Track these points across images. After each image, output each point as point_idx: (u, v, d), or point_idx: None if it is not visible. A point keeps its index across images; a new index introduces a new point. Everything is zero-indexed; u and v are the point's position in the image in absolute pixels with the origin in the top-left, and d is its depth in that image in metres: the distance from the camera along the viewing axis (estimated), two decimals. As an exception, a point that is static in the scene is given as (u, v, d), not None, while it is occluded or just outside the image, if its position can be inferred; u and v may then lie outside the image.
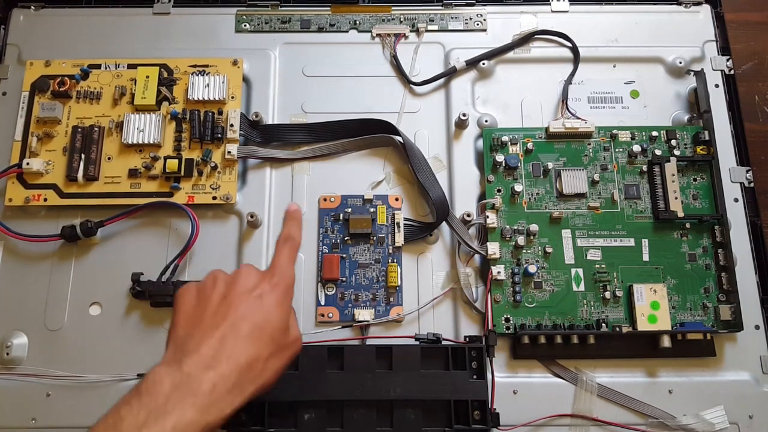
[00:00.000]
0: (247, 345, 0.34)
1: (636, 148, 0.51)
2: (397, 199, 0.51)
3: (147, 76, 0.52)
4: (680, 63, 0.55)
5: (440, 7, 0.58)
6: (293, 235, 0.43)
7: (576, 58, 0.56)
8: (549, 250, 0.49)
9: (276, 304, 0.37)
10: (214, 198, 0.50)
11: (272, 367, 0.36)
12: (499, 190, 0.50)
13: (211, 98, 0.52)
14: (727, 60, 0.56)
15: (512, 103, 0.55)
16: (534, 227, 0.49)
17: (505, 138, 0.51)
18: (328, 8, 0.58)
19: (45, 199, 0.50)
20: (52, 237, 0.49)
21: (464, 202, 0.51)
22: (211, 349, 0.34)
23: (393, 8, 0.58)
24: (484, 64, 0.55)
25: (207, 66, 0.54)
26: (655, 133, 0.51)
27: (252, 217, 0.50)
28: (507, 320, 0.47)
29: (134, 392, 0.32)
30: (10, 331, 0.48)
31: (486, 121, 0.53)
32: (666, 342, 0.46)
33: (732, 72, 0.56)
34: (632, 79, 0.55)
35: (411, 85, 0.55)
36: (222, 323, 0.35)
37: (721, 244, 0.49)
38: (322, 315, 0.48)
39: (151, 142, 0.51)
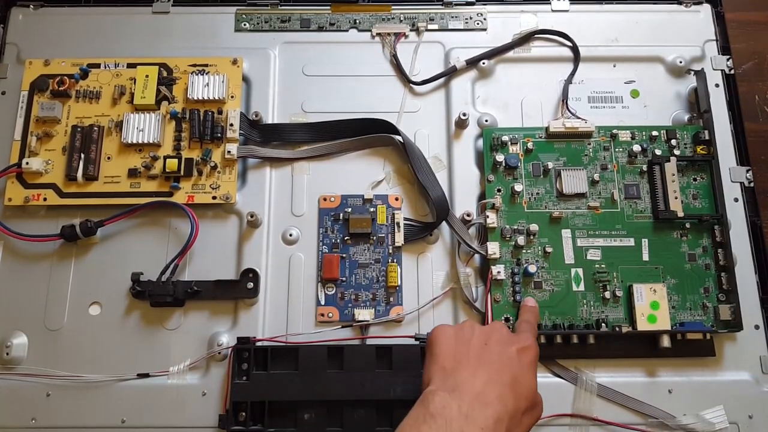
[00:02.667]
0: (510, 394, 0.36)
1: (636, 147, 0.51)
2: (397, 199, 0.51)
3: (146, 76, 0.52)
4: (680, 62, 0.55)
5: (440, 7, 0.58)
6: (532, 321, 0.45)
7: (576, 58, 0.56)
8: (549, 249, 0.49)
9: (530, 363, 0.39)
10: (214, 198, 0.50)
11: (525, 423, 0.37)
12: (499, 190, 0.50)
13: (211, 98, 0.52)
14: (728, 60, 0.56)
15: (512, 103, 0.55)
16: (534, 227, 0.49)
17: (505, 138, 0.51)
18: (328, 7, 0.58)
19: (45, 199, 0.50)
20: (51, 237, 0.49)
21: (464, 201, 0.51)
22: (482, 386, 0.36)
23: (393, 7, 0.58)
24: (484, 63, 0.55)
25: (207, 65, 0.54)
26: (655, 133, 0.51)
27: (252, 216, 0.50)
28: (507, 320, 0.47)
29: (424, 413, 0.35)
30: (10, 331, 0.48)
31: (486, 120, 0.53)
32: (666, 342, 0.46)
33: (732, 72, 0.56)
34: (632, 78, 0.55)
35: (411, 85, 0.55)
36: (487, 366, 0.37)
37: (721, 243, 0.49)
38: (322, 315, 0.48)
39: (151, 141, 0.51)
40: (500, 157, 0.50)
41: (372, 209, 0.51)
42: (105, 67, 0.54)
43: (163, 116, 0.52)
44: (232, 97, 0.53)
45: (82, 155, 0.50)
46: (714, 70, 0.55)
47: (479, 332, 0.40)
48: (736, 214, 0.51)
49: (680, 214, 0.49)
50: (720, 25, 0.57)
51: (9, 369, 0.47)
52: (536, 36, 0.57)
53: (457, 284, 0.49)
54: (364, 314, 0.48)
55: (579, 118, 0.52)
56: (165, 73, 0.53)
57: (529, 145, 0.51)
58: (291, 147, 0.53)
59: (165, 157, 0.50)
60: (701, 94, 0.53)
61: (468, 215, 0.50)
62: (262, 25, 0.57)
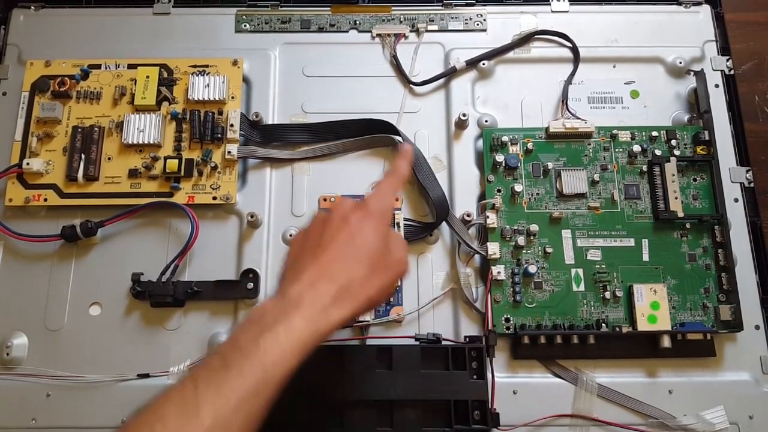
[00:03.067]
0: (342, 267, 0.36)
1: (636, 148, 0.51)
2: (397, 199, 0.51)
3: (147, 76, 0.52)
4: (680, 63, 0.55)
5: (440, 7, 0.58)
6: (399, 168, 0.42)
7: (576, 58, 0.56)
8: (549, 250, 0.49)
9: (370, 229, 0.38)
10: (214, 198, 0.50)
11: (374, 285, 0.36)
12: (499, 190, 0.50)
13: (211, 98, 0.52)
14: (727, 60, 0.56)
15: (512, 103, 0.55)
16: (534, 227, 0.49)
17: (505, 138, 0.51)
18: (328, 8, 0.58)
19: (45, 199, 0.50)
20: (52, 237, 0.49)
21: (464, 202, 0.51)
22: (310, 275, 0.35)
23: (393, 8, 0.58)
24: (484, 64, 0.55)
25: (207, 66, 0.54)
26: (655, 133, 0.51)
27: (252, 217, 0.50)
28: (507, 320, 0.47)
29: (244, 322, 0.34)
30: (10, 331, 0.48)
31: (486, 121, 0.53)
32: (666, 342, 0.46)
33: (732, 72, 0.56)
34: (632, 79, 0.55)
35: (411, 85, 0.55)
36: (320, 254, 0.36)
37: (721, 244, 0.49)
38: (322, 315, 0.48)
39: (151, 142, 0.51)
40: (500, 158, 0.50)
41: (372, 209, 0.51)
42: (106, 68, 0.54)
43: (163, 117, 0.52)
44: (232, 97, 0.53)
45: (83, 156, 0.50)
46: (714, 70, 0.56)
47: (321, 219, 0.39)
48: (736, 214, 0.51)
49: (680, 214, 0.49)
50: (720, 26, 0.57)
51: (9, 369, 0.47)
52: (536, 37, 0.57)
53: (457, 284, 0.49)
54: (364, 314, 0.48)
55: (579, 118, 0.52)
56: (165, 74, 0.53)
57: (529, 145, 0.51)
58: (291, 147, 0.53)
59: (165, 158, 0.50)
60: (701, 94, 0.53)
61: (468, 215, 0.50)
62: (262, 26, 0.57)
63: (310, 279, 0.35)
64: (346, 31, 0.57)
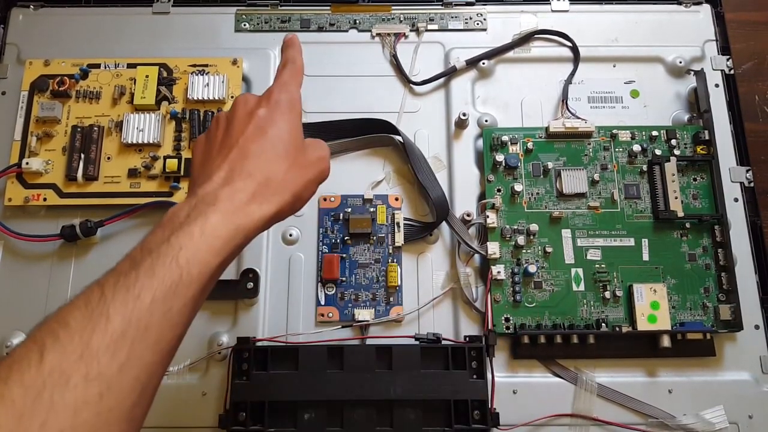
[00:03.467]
0: (257, 162, 0.33)
1: (636, 147, 0.51)
2: (397, 199, 0.51)
3: (146, 76, 0.52)
4: (680, 63, 0.55)
5: (440, 7, 0.58)
6: (292, 59, 0.39)
7: (576, 58, 0.56)
8: (549, 249, 0.49)
9: (279, 119, 0.35)
10: (214, 198, 0.50)
11: (294, 181, 0.34)
12: (499, 190, 0.50)
13: (211, 98, 0.52)
14: (727, 60, 0.56)
15: (512, 103, 0.55)
16: (534, 227, 0.49)
17: (505, 138, 0.51)
18: (328, 8, 0.58)
19: (44, 199, 0.50)
20: (51, 237, 0.49)
21: (464, 201, 0.51)
22: (222, 173, 0.33)
23: (393, 8, 0.58)
24: (484, 63, 0.55)
25: (206, 65, 0.54)
26: (655, 133, 0.51)
27: (252, 216, 0.50)
28: (507, 320, 0.47)
29: (155, 226, 0.31)
30: (10, 331, 0.48)
31: (486, 120, 0.53)
32: (666, 342, 0.46)
33: (732, 72, 0.56)
34: (632, 78, 0.55)
35: (411, 85, 0.55)
36: (229, 152, 0.34)
37: (721, 243, 0.49)
38: (322, 315, 0.48)
39: (151, 141, 0.51)
40: (500, 157, 0.50)
41: (372, 209, 0.51)
42: (105, 68, 0.54)
43: (163, 116, 0.52)
44: (232, 97, 0.53)
45: (82, 155, 0.50)
46: (714, 70, 0.56)
47: (223, 120, 0.36)
48: (736, 214, 0.51)
49: (680, 214, 0.49)
50: (720, 25, 0.57)
51: (9, 369, 0.47)
52: (536, 36, 0.57)
53: (457, 284, 0.49)
54: (364, 314, 0.48)
55: (579, 118, 0.52)
56: (165, 74, 0.53)
57: (529, 145, 0.51)
58: (291, 147, 0.53)
59: (165, 157, 0.50)
60: (701, 94, 0.53)
61: (468, 215, 0.50)
62: (262, 26, 0.57)
63: (224, 177, 0.32)
64: (346, 31, 0.57)
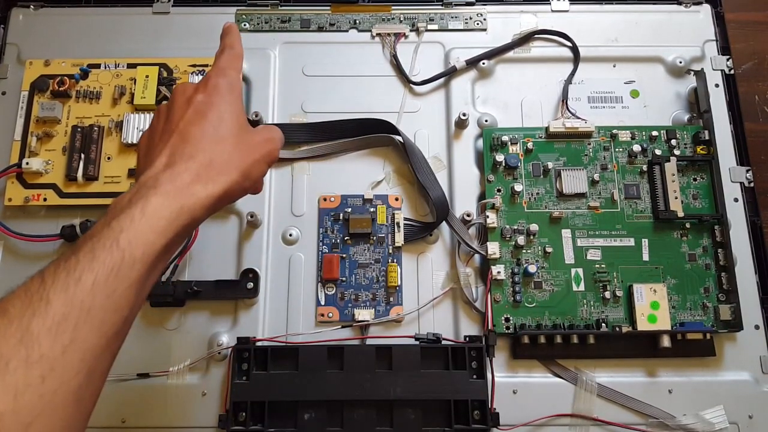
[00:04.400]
0: (198, 144, 0.33)
1: (636, 147, 0.51)
2: (397, 199, 0.51)
3: (147, 76, 0.52)
4: (680, 63, 0.55)
5: (440, 7, 0.58)
6: (230, 44, 0.39)
7: (576, 58, 0.56)
8: (549, 249, 0.49)
9: (219, 102, 0.35)
10: (214, 198, 0.50)
11: (241, 160, 0.34)
12: (499, 190, 0.50)
13: (211, 98, 0.52)
14: (727, 60, 0.56)
15: (512, 103, 0.55)
16: (534, 227, 0.49)
17: (505, 138, 0.51)
18: (328, 8, 0.58)
19: (45, 199, 0.50)
20: (52, 237, 0.49)
21: (464, 201, 0.51)
22: (164, 158, 0.33)
23: (393, 8, 0.58)
24: (484, 63, 0.55)
25: (207, 65, 0.54)
26: (655, 133, 0.51)
27: (252, 216, 0.50)
28: (507, 320, 0.47)
29: (100, 217, 0.31)
30: (9, 331, 0.48)
31: (486, 120, 0.53)
32: (666, 342, 0.46)
33: (732, 72, 0.56)
34: (632, 78, 0.55)
35: (411, 85, 0.55)
36: (169, 138, 0.34)
37: (721, 244, 0.49)
38: (322, 315, 0.48)
39: (151, 141, 0.51)
40: (500, 157, 0.50)
41: (372, 209, 0.51)
42: (105, 68, 0.54)
43: (163, 116, 0.52)
44: (232, 97, 0.53)
45: (83, 155, 0.50)
46: (714, 70, 0.55)
47: (164, 109, 0.36)
48: (736, 214, 0.51)
49: (680, 214, 0.49)
50: (720, 25, 0.57)
51: (9, 369, 0.47)
52: (536, 36, 0.57)
53: (457, 284, 0.49)
54: (364, 314, 0.48)
55: (579, 118, 0.52)
56: (165, 74, 0.53)
57: (529, 145, 0.51)
58: (291, 147, 0.53)
59: (165, 157, 0.50)
60: (701, 94, 0.53)
61: (468, 215, 0.50)
62: (262, 26, 0.57)
63: (165, 162, 0.32)
64: (346, 31, 0.57)
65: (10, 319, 0.25)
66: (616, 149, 0.51)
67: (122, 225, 0.29)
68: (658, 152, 0.51)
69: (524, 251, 0.49)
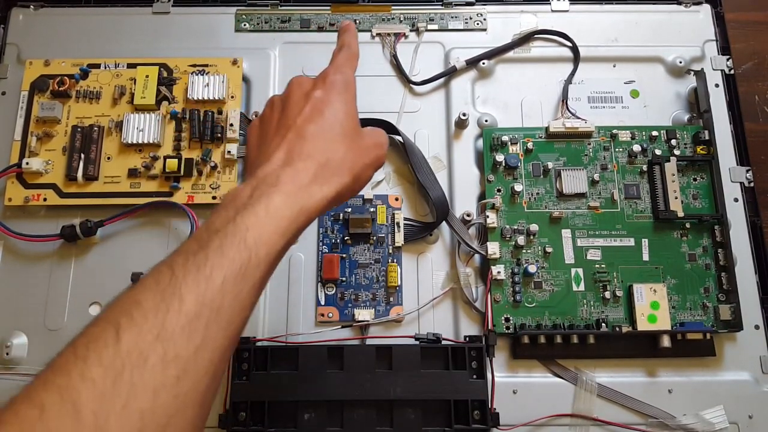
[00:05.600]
0: (316, 143, 0.33)
1: (636, 147, 0.51)
2: (397, 199, 0.51)
3: (147, 76, 0.52)
4: (680, 63, 0.55)
5: (440, 7, 0.58)
6: (348, 43, 0.39)
7: (576, 58, 0.56)
8: (549, 249, 0.49)
9: (335, 100, 0.34)
10: (214, 198, 0.50)
11: (353, 163, 0.34)
12: (499, 190, 0.50)
13: (211, 98, 0.52)
14: (727, 60, 0.56)
15: (512, 103, 0.55)
16: (534, 227, 0.49)
17: (505, 138, 0.51)
18: (328, 8, 0.58)
19: (45, 199, 0.50)
20: (51, 237, 0.49)
21: (464, 201, 0.51)
22: (281, 154, 0.32)
23: (393, 8, 0.58)
24: (484, 63, 0.55)
25: (207, 65, 0.54)
26: (655, 133, 0.51)
27: (252, 216, 0.50)
28: (507, 320, 0.47)
29: (218, 207, 0.30)
30: (10, 331, 0.48)
31: (486, 120, 0.53)
32: (666, 342, 0.46)
33: (732, 72, 0.56)
34: (632, 78, 0.55)
35: (411, 85, 0.55)
36: (287, 133, 0.33)
37: (721, 244, 0.49)
38: (322, 315, 0.48)
39: (151, 141, 0.51)
40: (500, 157, 0.50)
41: (372, 209, 0.51)
42: (105, 68, 0.54)
43: (163, 116, 0.52)
44: (232, 97, 0.53)
45: (82, 155, 0.50)
46: (714, 70, 0.55)
47: (278, 102, 0.36)
48: (736, 214, 0.51)
49: (680, 214, 0.49)
50: (720, 25, 0.57)
51: (9, 369, 0.47)
52: (536, 36, 0.57)
53: (457, 284, 0.49)
54: (364, 314, 0.48)
55: (579, 118, 0.52)
56: (165, 74, 0.53)
57: (529, 145, 0.51)
58: (291, 147, 0.53)
59: (165, 157, 0.50)
60: (701, 94, 0.53)
61: (468, 215, 0.50)
62: (262, 26, 0.57)
63: (283, 159, 0.32)
64: (346, 31, 0.57)
65: (144, 313, 0.24)
66: (616, 149, 0.51)
67: (247, 223, 0.28)
68: (658, 152, 0.51)
69: (524, 251, 0.49)
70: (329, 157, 0.33)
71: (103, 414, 0.22)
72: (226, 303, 0.26)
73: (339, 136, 0.34)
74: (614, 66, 0.56)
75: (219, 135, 0.51)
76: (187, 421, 0.24)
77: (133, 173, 0.51)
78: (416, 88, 0.55)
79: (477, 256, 0.50)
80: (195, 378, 0.25)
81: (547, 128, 0.52)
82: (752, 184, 0.52)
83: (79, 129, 0.51)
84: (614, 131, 0.52)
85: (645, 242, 0.49)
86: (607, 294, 0.48)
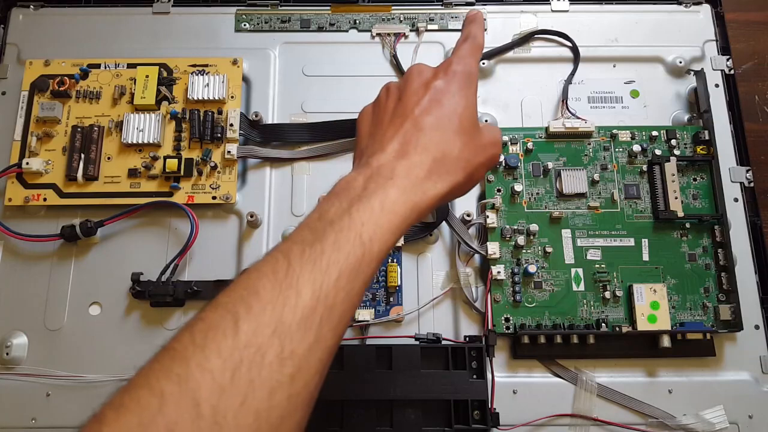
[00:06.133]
0: (432, 136, 0.31)
1: (636, 147, 0.51)
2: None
3: (147, 76, 0.52)
4: (680, 63, 0.55)
5: (440, 7, 0.58)
6: (474, 34, 0.37)
7: (576, 58, 0.56)
8: (549, 249, 0.49)
9: (456, 92, 0.33)
10: (214, 198, 0.50)
11: (469, 160, 0.32)
12: (499, 190, 0.50)
13: (211, 98, 0.52)
14: (727, 60, 0.56)
15: (512, 103, 0.55)
16: (534, 227, 0.49)
17: (505, 137, 0.51)
18: (328, 8, 0.58)
19: (44, 199, 0.50)
20: (51, 237, 0.49)
21: (464, 201, 0.51)
22: (396, 144, 0.31)
23: (393, 8, 0.58)
24: (484, 63, 0.55)
25: (207, 65, 0.54)
26: (655, 133, 0.51)
27: (252, 216, 0.50)
28: (507, 320, 0.47)
29: (330, 195, 0.29)
30: (10, 331, 0.48)
31: (486, 120, 0.53)
32: (666, 342, 0.46)
33: (732, 72, 0.56)
34: (632, 78, 0.55)
35: (411, 85, 0.55)
36: (403, 123, 0.32)
37: (721, 243, 0.49)
38: (322, 315, 0.48)
39: (151, 141, 0.51)
40: (500, 157, 0.50)
41: (372, 209, 0.51)
42: (105, 68, 0.54)
43: (163, 116, 0.52)
44: (232, 97, 0.53)
45: (82, 155, 0.50)
46: (714, 70, 0.55)
47: (395, 89, 0.34)
48: (736, 214, 0.51)
49: (680, 214, 0.49)
50: (720, 26, 0.57)
51: (9, 369, 0.47)
52: (536, 36, 0.57)
53: (457, 284, 0.49)
54: (364, 314, 0.48)
55: (579, 118, 0.52)
56: (165, 74, 0.53)
57: (529, 145, 0.51)
58: (291, 147, 0.53)
59: (165, 157, 0.50)
60: (701, 94, 0.53)
61: (468, 215, 0.50)
62: (262, 26, 0.57)
63: (398, 150, 0.30)
64: (346, 31, 0.57)
65: (263, 305, 0.24)
66: (616, 149, 0.51)
67: (363, 217, 0.27)
68: (658, 152, 0.51)
69: (524, 251, 0.49)
70: (445, 152, 0.31)
71: (221, 410, 0.21)
72: (339, 300, 0.25)
73: (457, 130, 0.32)
74: (614, 66, 0.56)
75: (219, 135, 0.51)
76: (295, 424, 0.24)
77: (133, 173, 0.51)
78: (416, 88, 0.55)
79: (477, 256, 0.50)
80: (307, 378, 0.24)
81: (547, 128, 0.52)
82: (752, 184, 0.52)
83: (79, 129, 0.51)
84: (614, 131, 0.52)
85: (645, 242, 0.49)
86: (607, 294, 0.48)
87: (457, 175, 0.32)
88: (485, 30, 0.57)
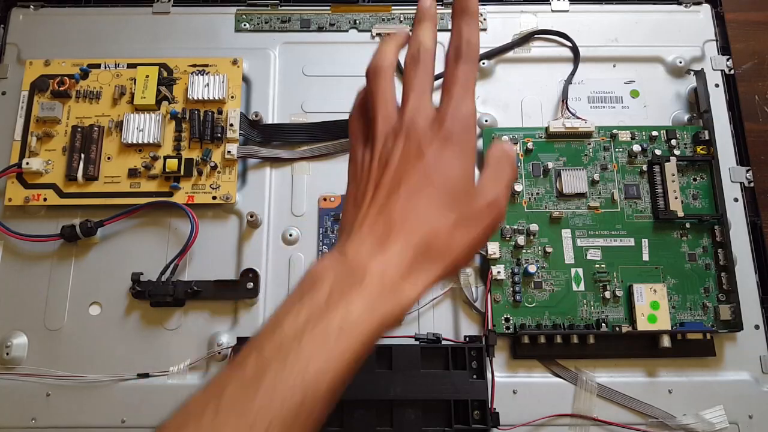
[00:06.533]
0: (420, 218, 0.27)
1: (636, 147, 0.51)
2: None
3: (147, 76, 0.52)
4: (680, 63, 0.55)
5: (440, 7, 0.58)
6: (468, 39, 0.32)
7: (576, 58, 0.56)
8: (549, 249, 0.49)
9: (453, 161, 0.28)
10: (214, 198, 0.50)
11: (460, 242, 0.27)
12: (499, 190, 0.50)
13: (211, 98, 0.52)
14: (727, 60, 0.56)
15: (512, 103, 0.55)
16: (534, 227, 0.49)
17: (505, 137, 0.51)
18: (328, 8, 0.58)
19: (45, 199, 0.50)
20: (51, 237, 0.49)
21: (464, 201, 0.51)
22: (373, 225, 0.27)
23: (393, 8, 0.58)
24: (484, 63, 0.55)
25: (207, 65, 0.54)
26: (655, 133, 0.51)
27: (252, 216, 0.50)
28: (507, 320, 0.47)
29: (296, 292, 0.26)
30: (10, 331, 0.48)
31: (486, 120, 0.53)
32: (666, 342, 0.46)
33: (732, 72, 0.56)
34: (632, 78, 0.55)
35: (411, 85, 0.55)
36: (386, 203, 0.28)
37: (721, 243, 0.49)
38: (322, 315, 0.48)
39: (151, 141, 0.51)
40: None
41: (372, 209, 0.51)
42: (105, 68, 0.54)
43: (163, 116, 0.52)
44: (232, 97, 0.53)
45: (82, 155, 0.50)
46: (714, 70, 0.55)
47: (384, 149, 0.30)
48: (736, 214, 0.51)
49: (680, 214, 0.49)
50: (720, 26, 0.57)
51: (9, 369, 0.47)
52: (536, 36, 0.57)
53: (457, 284, 0.49)
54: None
55: (579, 118, 0.52)
56: (165, 74, 0.53)
57: (529, 145, 0.51)
58: (291, 147, 0.53)
59: (165, 157, 0.50)
60: (701, 94, 0.53)
61: (468, 215, 0.50)
62: (262, 26, 0.57)
63: (378, 235, 0.27)
64: (346, 31, 0.57)
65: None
66: (616, 149, 0.51)
67: (313, 348, 0.24)
68: (658, 152, 0.51)
69: (524, 251, 0.49)
70: (432, 235, 0.27)
71: None
72: None
73: (447, 204, 0.28)
74: (614, 66, 0.56)
75: (219, 135, 0.51)
76: None
77: (133, 173, 0.51)
78: (416, 88, 0.55)
79: (477, 256, 0.50)
80: None
81: (547, 128, 0.52)
82: (752, 184, 0.52)
83: (79, 129, 0.51)
84: (614, 131, 0.52)
85: (645, 242, 0.49)
86: (607, 294, 0.48)
87: (444, 262, 0.27)
88: (483, 29, 0.57)
